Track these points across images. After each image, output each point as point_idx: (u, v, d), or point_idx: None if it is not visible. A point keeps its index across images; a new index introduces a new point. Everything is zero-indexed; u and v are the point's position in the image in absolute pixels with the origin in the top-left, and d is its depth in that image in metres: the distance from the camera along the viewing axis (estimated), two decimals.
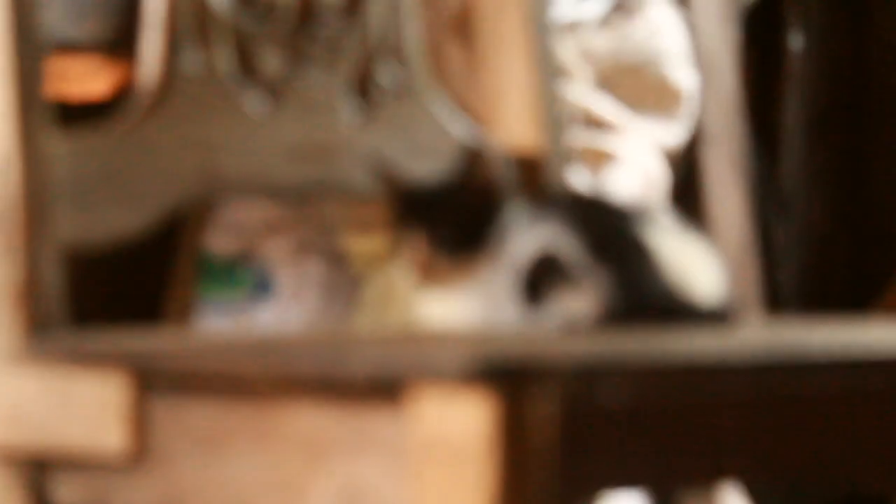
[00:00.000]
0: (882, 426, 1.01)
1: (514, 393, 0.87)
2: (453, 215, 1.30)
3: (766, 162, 3.32)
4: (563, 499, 0.89)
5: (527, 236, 1.24)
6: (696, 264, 1.25)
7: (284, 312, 2.14)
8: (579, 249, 1.19)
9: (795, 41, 3.41)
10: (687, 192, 3.22)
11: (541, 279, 1.22)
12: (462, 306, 1.32)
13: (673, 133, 2.62)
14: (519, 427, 0.87)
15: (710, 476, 0.96)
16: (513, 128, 1.62)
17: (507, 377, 0.87)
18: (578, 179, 2.40)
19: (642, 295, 1.18)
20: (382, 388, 0.93)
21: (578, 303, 1.20)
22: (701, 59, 3.14)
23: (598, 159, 2.50)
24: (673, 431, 0.91)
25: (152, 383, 1.06)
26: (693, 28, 3.09)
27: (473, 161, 1.34)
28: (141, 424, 1.06)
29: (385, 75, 1.50)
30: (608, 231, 1.20)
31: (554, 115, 1.60)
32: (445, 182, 1.33)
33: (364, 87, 1.49)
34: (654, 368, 0.91)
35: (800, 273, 3.44)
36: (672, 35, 2.64)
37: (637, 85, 2.53)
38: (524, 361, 0.88)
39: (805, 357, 0.98)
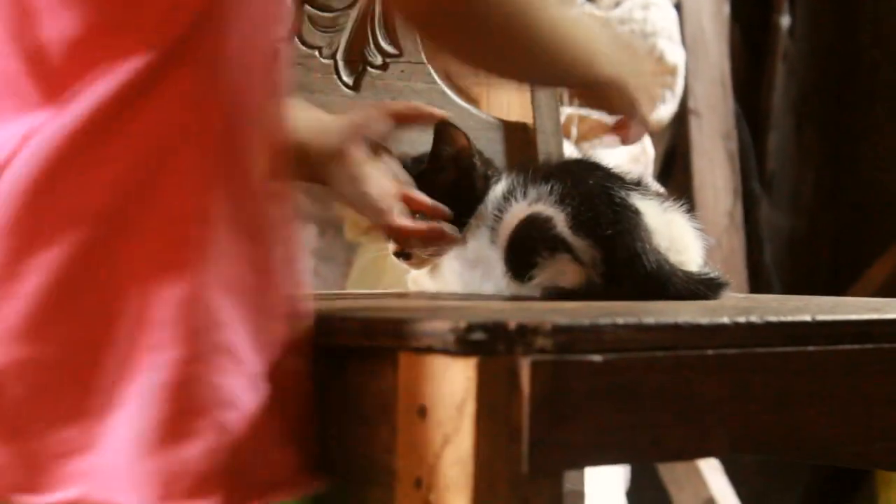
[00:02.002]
0: (866, 396, 1.04)
1: (495, 360, 0.89)
2: (434, 186, 1.30)
3: (754, 138, 3.33)
4: (545, 465, 0.91)
5: (516, 204, 1.26)
6: (683, 235, 1.25)
7: None
8: (569, 216, 1.20)
9: (784, 19, 3.42)
10: (673, 165, 3.24)
11: (528, 245, 1.22)
12: (447, 274, 1.33)
13: (663, 107, 2.62)
14: (499, 392, 0.89)
15: (694, 448, 0.97)
16: (506, 98, 1.63)
17: (487, 343, 0.89)
18: (569, 149, 2.41)
19: (630, 263, 1.19)
20: (370, 353, 0.96)
21: (565, 269, 1.22)
22: (690, 35, 3.15)
23: (589, 130, 2.51)
24: (654, 398, 0.93)
25: None
26: (683, 4, 3.09)
27: (445, 134, 1.33)
28: None
29: (378, 50, 1.51)
30: (598, 199, 1.20)
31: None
32: (425, 155, 1.33)
33: (358, 62, 1.49)
34: (636, 329, 0.92)
35: (786, 247, 3.45)
36: (663, 10, 2.64)
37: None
38: (505, 326, 0.89)
39: (788, 322, 1.01)
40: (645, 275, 1.19)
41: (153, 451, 0.87)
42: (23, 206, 0.88)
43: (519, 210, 1.25)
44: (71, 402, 0.88)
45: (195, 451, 0.87)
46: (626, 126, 1.33)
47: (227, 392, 0.89)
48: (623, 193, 1.22)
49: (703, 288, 1.22)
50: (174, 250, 0.89)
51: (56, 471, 0.88)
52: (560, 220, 1.21)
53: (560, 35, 1.13)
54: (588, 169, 1.27)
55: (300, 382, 0.95)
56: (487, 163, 1.37)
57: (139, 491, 0.87)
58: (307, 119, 1.20)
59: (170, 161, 0.89)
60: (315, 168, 1.21)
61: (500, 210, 1.27)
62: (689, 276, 1.22)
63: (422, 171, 1.33)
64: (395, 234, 1.26)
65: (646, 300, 1.17)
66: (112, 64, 0.89)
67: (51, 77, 0.90)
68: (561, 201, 1.22)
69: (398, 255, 1.33)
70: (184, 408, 0.88)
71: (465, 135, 1.34)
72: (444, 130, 1.34)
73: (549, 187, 1.23)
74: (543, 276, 1.22)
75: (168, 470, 0.87)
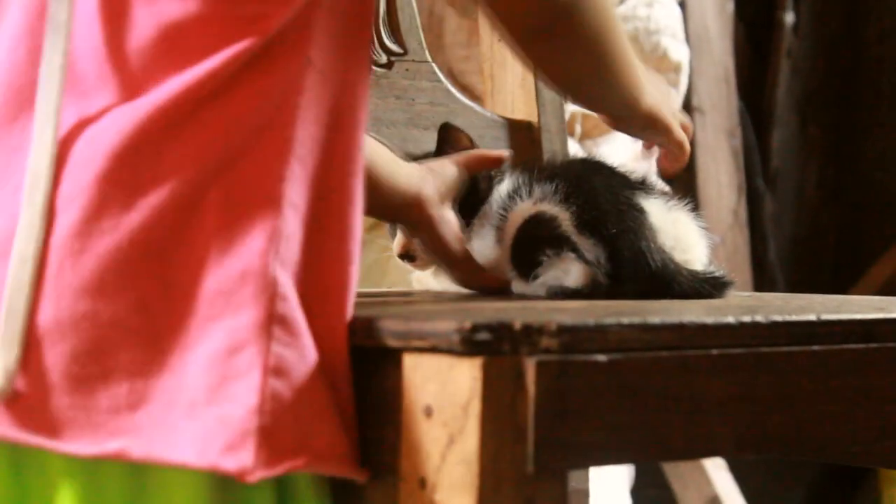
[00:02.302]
0: (871, 395, 1.04)
1: (500, 360, 0.89)
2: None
3: (758, 136, 3.33)
4: (550, 465, 0.91)
5: (521, 203, 1.26)
6: (688, 234, 1.25)
7: None
8: (573, 215, 1.20)
9: (788, 17, 3.42)
10: None
11: (533, 244, 1.22)
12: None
13: None
14: (504, 391, 0.89)
15: (699, 447, 0.97)
16: (511, 97, 1.63)
17: (492, 343, 0.88)
18: (574, 147, 2.41)
19: (635, 261, 1.18)
20: (375, 353, 0.96)
21: (570, 268, 1.22)
22: (694, 32, 3.15)
23: (593, 128, 2.50)
24: (659, 397, 0.93)
25: None
26: (687, 2, 3.09)
27: (448, 135, 1.33)
28: None
29: (383, 49, 1.51)
30: (603, 198, 1.20)
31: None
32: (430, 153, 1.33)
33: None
34: (641, 329, 0.92)
35: (790, 244, 3.45)
36: (667, 7, 2.64)
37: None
38: (511, 326, 0.89)
39: (793, 322, 1.01)
40: (650, 273, 1.19)
41: (198, 410, 0.90)
42: (106, 171, 0.93)
43: (524, 209, 1.25)
44: (126, 360, 0.91)
45: (239, 411, 0.90)
46: (666, 156, 1.34)
47: (280, 361, 0.92)
48: (628, 192, 1.22)
49: (707, 287, 1.22)
50: (243, 227, 0.94)
51: (104, 424, 0.90)
52: (565, 219, 1.21)
53: (627, 62, 1.18)
54: (593, 168, 1.28)
55: (347, 373, 0.97)
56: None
57: (178, 446, 0.90)
58: (384, 157, 1.23)
59: (251, 147, 0.95)
60: (387, 207, 1.24)
61: (506, 209, 1.27)
62: (693, 274, 1.22)
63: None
64: (469, 280, 1.29)
65: (650, 299, 1.17)
66: (207, 51, 0.94)
67: (140, 62, 0.95)
68: (566, 200, 1.22)
69: (402, 256, 1.34)
70: (235, 371, 0.91)
71: (467, 136, 1.35)
72: (447, 132, 1.34)
73: (553, 186, 1.23)
74: (548, 275, 1.22)
75: (208, 427, 0.90)
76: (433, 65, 1.56)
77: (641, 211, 1.21)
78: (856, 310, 1.09)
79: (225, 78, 0.95)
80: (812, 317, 1.03)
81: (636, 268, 1.19)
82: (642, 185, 1.25)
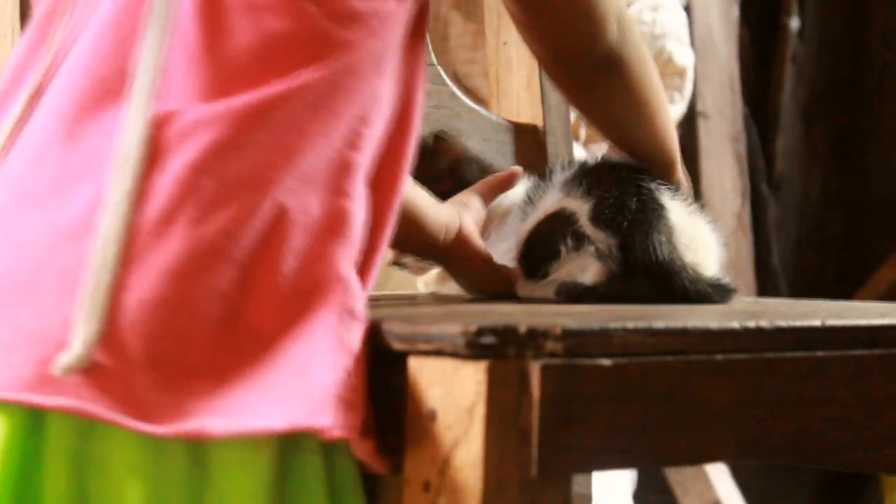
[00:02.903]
0: (875, 401, 1.04)
1: (505, 363, 0.88)
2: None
3: (763, 140, 3.33)
4: (554, 468, 0.91)
5: (541, 202, 1.25)
6: (705, 240, 1.25)
7: None
8: (592, 208, 1.20)
9: (793, 21, 3.42)
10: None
11: (548, 238, 1.22)
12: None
13: (672, 108, 2.62)
14: (509, 395, 0.89)
15: (702, 452, 0.97)
16: (516, 100, 1.64)
17: (497, 347, 0.88)
18: (578, 151, 2.41)
19: (644, 250, 1.17)
20: (380, 356, 0.96)
21: (585, 264, 1.21)
22: (699, 37, 3.15)
23: (598, 132, 2.50)
24: (663, 402, 0.93)
25: None
26: (692, 6, 3.10)
27: (439, 146, 1.34)
28: None
29: None
30: (625, 188, 1.21)
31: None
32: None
33: None
34: (645, 333, 0.93)
35: (794, 249, 3.45)
36: (672, 12, 2.64)
37: None
38: (516, 330, 0.88)
39: (797, 327, 1.01)
40: (656, 264, 1.18)
41: (277, 389, 0.94)
42: (197, 162, 0.96)
43: (545, 205, 1.25)
44: (202, 345, 0.94)
45: (318, 384, 0.94)
46: None
47: (349, 343, 0.97)
48: (653, 186, 1.22)
49: (711, 291, 1.22)
50: (318, 235, 0.99)
51: (180, 405, 0.92)
52: (583, 214, 1.21)
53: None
54: (619, 166, 1.27)
55: (366, 371, 0.99)
56: (485, 170, 1.37)
57: (259, 416, 0.93)
58: (424, 197, 1.27)
59: (328, 161, 1.01)
60: (431, 245, 1.28)
61: (525, 213, 1.27)
62: (699, 276, 1.22)
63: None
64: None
65: (654, 295, 1.17)
66: (300, 64, 1.00)
67: (235, 66, 1.00)
68: (588, 193, 1.22)
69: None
70: (313, 353, 0.95)
71: (460, 145, 1.35)
72: (438, 142, 1.35)
73: (577, 182, 1.23)
74: (562, 272, 1.22)
75: (289, 398, 0.93)
76: (438, 67, 1.56)
77: (662, 206, 1.21)
78: (860, 316, 1.09)
79: (314, 92, 1.00)
80: (816, 323, 1.03)
81: (645, 258, 1.18)
82: (667, 185, 1.25)
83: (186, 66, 1.00)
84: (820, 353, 1.02)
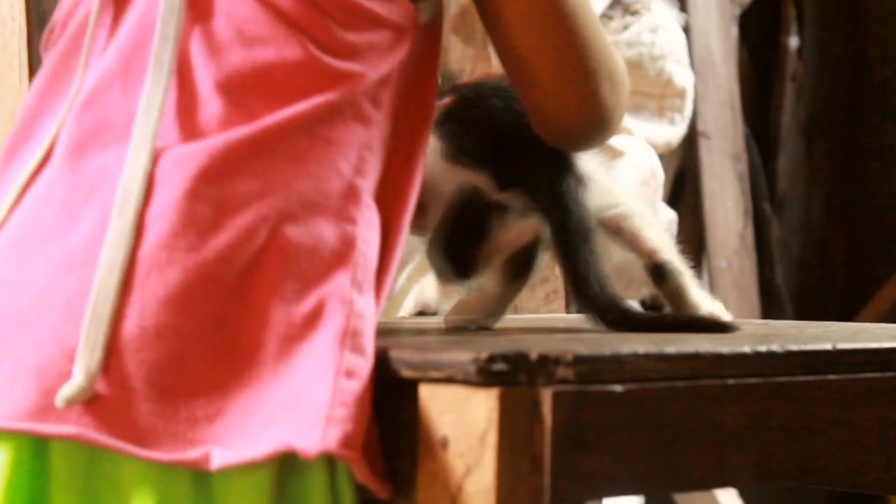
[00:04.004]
0: (887, 424, 1.04)
1: (517, 390, 0.88)
2: None
3: (764, 159, 3.34)
4: (567, 495, 0.91)
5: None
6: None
7: None
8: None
9: (792, 40, 3.43)
10: (683, 188, 3.24)
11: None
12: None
13: (672, 129, 2.63)
14: (521, 422, 0.89)
15: (714, 477, 0.97)
16: None
17: (508, 374, 0.88)
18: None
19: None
20: (391, 384, 0.96)
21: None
22: (698, 57, 3.16)
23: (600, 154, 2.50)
24: (675, 428, 0.93)
25: None
26: (691, 27, 3.10)
27: None
28: None
29: None
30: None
31: None
32: None
33: None
34: (657, 359, 0.93)
35: (797, 268, 3.45)
36: (671, 33, 2.65)
37: (638, 80, 2.54)
38: (527, 357, 0.88)
39: (808, 351, 1.01)
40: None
41: (276, 417, 0.94)
42: (195, 190, 0.98)
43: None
44: (204, 373, 0.94)
45: (313, 407, 0.94)
46: None
47: (350, 365, 0.96)
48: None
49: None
50: (321, 258, 1.00)
51: (183, 433, 0.93)
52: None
53: None
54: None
55: (370, 394, 0.99)
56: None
57: (255, 446, 0.92)
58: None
59: (328, 185, 1.02)
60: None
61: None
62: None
63: None
64: None
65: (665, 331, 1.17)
66: (297, 95, 1.01)
67: (233, 97, 1.02)
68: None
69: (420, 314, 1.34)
70: (312, 380, 0.95)
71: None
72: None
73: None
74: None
75: (284, 424, 0.93)
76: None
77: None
78: (871, 339, 1.09)
79: (311, 121, 1.02)
80: (828, 346, 1.03)
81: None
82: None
83: (190, 99, 1.02)
84: (831, 377, 1.02)
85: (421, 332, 1.27)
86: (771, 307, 3.19)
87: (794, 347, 1.01)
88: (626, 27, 2.62)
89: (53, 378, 0.93)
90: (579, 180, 1.16)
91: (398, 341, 1.03)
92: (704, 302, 1.22)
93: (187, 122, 1.01)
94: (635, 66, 2.53)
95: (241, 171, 0.99)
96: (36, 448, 0.94)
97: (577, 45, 1.10)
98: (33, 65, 1.32)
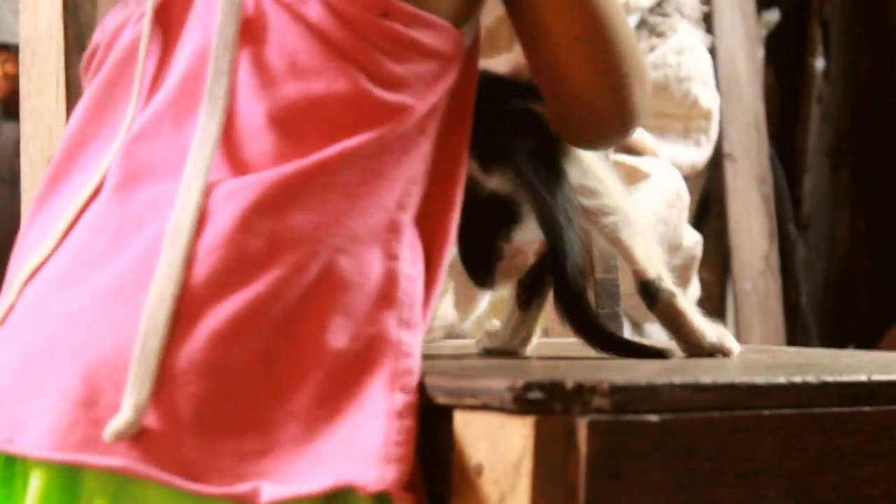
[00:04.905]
0: None
1: (552, 419, 0.88)
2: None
3: (789, 181, 3.33)
4: None
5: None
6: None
7: None
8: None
9: (818, 62, 3.42)
10: (709, 210, 3.24)
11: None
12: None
13: (698, 151, 2.63)
14: (556, 451, 0.90)
15: None
16: None
17: (544, 402, 0.88)
18: None
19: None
20: (426, 410, 0.96)
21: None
22: (724, 79, 3.16)
23: (625, 175, 2.51)
24: (710, 458, 0.93)
25: None
26: (717, 48, 3.11)
27: None
28: None
29: None
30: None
31: None
32: None
33: None
34: (692, 389, 0.93)
35: (823, 290, 3.44)
36: (697, 54, 2.65)
37: (664, 102, 2.55)
38: (563, 386, 0.88)
39: (844, 382, 1.00)
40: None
41: (326, 458, 0.94)
42: (247, 224, 0.98)
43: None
44: (250, 408, 0.95)
45: (367, 449, 0.94)
46: None
47: (400, 406, 0.96)
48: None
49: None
50: (367, 296, 1.00)
51: (230, 468, 0.93)
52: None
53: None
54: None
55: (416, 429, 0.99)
56: None
57: (309, 481, 0.93)
58: None
59: (375, 222, 1.02)
60: None
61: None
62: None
63: None
64: None
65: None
66: (349, 129, 1.02)
67: (286, 130, 1.02)
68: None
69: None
70: (363, 422, 0.95)
71: None
72: None
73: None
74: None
75: (338, 464, 0.93)
76: None
77: None
78: None
79: (363, 156, 1.02)
80: (863, 377, 1.02)
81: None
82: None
83: (244, 131, 1.02)
84: (867, 409, 1.02)
85: (455, 357, 1.27)
86: (795, 329, 3.19)
87: (829, 378, 1.01)
88: (652, 49, 2.62)
89: (101, 409, 0.93)
90: (558, 151, 1.16)
91: (433, 367, 1.03)
92: (708, 329, 1.21)
93: (240, 154, 1.01)
94: (661, 87, 2.54)
95: (294, 205, 0.99)
96: (68, 476, 0.95)
97: (614, 51, 1.12)
98: (70, 84, 1.32)
